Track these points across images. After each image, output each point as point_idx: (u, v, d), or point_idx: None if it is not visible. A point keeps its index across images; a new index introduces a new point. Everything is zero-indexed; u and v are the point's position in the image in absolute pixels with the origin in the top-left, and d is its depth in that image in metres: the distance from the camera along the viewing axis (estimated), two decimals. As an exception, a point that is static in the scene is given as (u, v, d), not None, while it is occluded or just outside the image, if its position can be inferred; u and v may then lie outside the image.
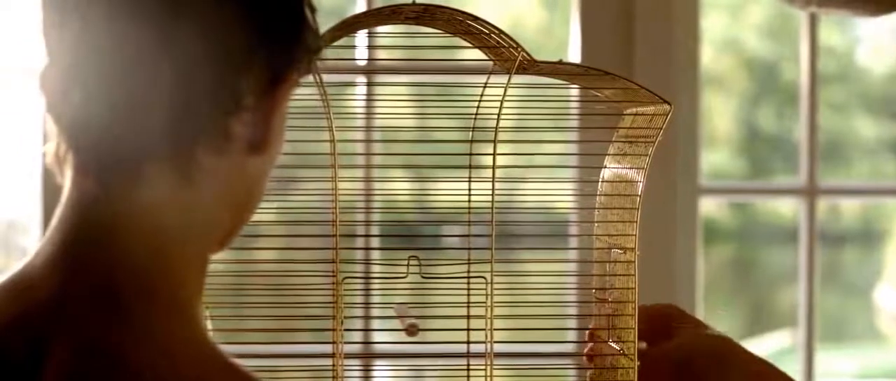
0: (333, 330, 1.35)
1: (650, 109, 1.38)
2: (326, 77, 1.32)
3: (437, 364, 1.47)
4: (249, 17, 0.98)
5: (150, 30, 0.95)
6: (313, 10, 1.03)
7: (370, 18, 1.42)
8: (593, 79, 1.40)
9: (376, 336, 2.29)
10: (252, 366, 0.98)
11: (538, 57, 1.37)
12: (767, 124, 3.84)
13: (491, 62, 1.41)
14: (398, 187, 2.51)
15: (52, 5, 0.98)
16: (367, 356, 2.43)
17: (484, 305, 1.36)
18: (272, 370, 1.39)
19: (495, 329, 1.37)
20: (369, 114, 2.22)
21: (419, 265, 1.37)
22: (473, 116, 1.38)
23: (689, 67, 2.50)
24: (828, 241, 3.62)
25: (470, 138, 1.38)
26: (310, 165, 1.37)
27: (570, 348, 1.59)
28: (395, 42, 1.86)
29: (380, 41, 2.04)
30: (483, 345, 1.37)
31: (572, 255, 2.10)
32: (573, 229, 2.34)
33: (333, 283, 1.35)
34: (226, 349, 0.96)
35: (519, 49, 1.36)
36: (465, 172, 1.36)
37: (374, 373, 2.49)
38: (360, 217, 2.18)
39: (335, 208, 1.35)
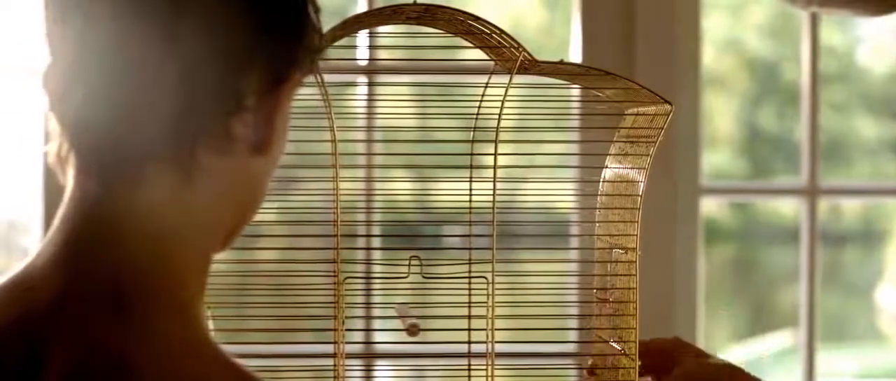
0: (335, 330, 1.35)
1: (651, 109, 1.38)
2: (328, 77, 1.32)
3: (438, 364, 1.47)
4: (253, 16, 0.98)
5: (152, 29, 0.95)
6: (317, 9, 1.02)
7: (371, 18, 1.42)
8: (594, 79, 1.40)
9: (377, 336, 2.30)
10: (253, 366, 0.98)
11: (539, 57, 1.37)
12: (768, 124, 3.84)
13: (492, 62, 1.41)
14: (399, 187, 2.51)
15: (54, 3, 0.97)
16: (369, 356, 2.43)
17: (485, 305, 1.36)
18: (273, 370, 1.39)
19: (496, 329, 1.37)
20: (370, 114, 2.22)
21: (420, 265, 1.37)
22: (474, 116, 1.38)
23: (691, 67, 2.50)
24: (829, 241, 3.62)
25: (471, 138, 1.38)
26: (311, 165, 1.37)
27: (571, 348, 1.59)
28: (396, 42, 1.86)
29: (381, 41, 2.04)
30: (484, 345, 1.37)
31: (573, 255, 2.10)
32: (574, 229, 2.34)
33: (335, 283, 1.35)
34: (227, 348, 0.96)
35: (520, 49, 1.36)
36: (467, 172, 1.36)
37: (376, 373, 2.49)
38: (362, 217, 2.18)
39: (336, 207, 1.35)
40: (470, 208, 1.36)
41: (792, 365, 2.72)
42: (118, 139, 0.96)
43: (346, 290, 1.35)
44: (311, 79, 1.07)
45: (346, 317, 1.36)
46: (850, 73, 3.80)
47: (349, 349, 1.37)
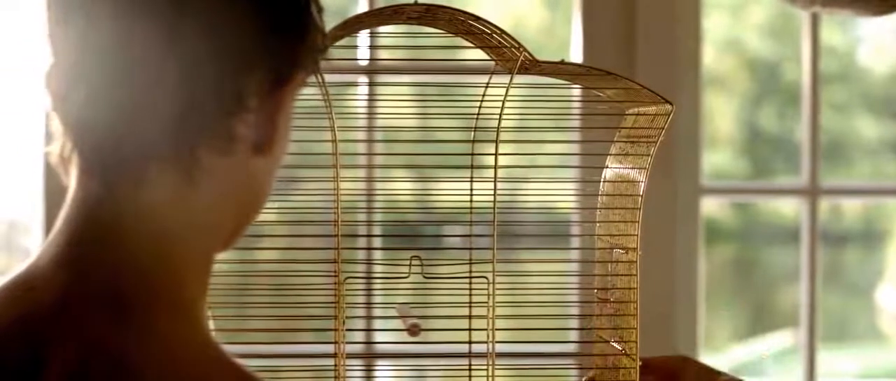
0: (335, 330, 1.35)
1: (652, 109, 1.38)
2: (328, 77, 1.32)
3: (439, 364, 1.47)
4: (255, 16, 0.98)
5: (154, 29, 0.95)
6: (320, 9, 1.02)
7: (372, 18, 1.42)
8: (595, 79, 1.40)
9: (378, 336, 2.29)
10: (254, 366, 0.98)
11: (540, 57, 1.37)
12: (769, 124, 3.84)
13: (493, 62, 1.41)
14: (400, 187, 2.51)
15: (56, 3, 0.97)
16: (369, 356, 2.43)
17: (486, 305, 1.36)
18: (274, 370, 1.40)
19: (497, 329, 1.37)
20: (371, 114, 2.22)
21: (421, 265, 1.37)
22: (475, 116, 1.38)
23: (691, 67, 2.50)
24: (829, 241, 3.62)
25: (472, 138, 1.38)
26: (312, 166, 1.37)
27: (571, 348, 1.59)
28: (396, 42, 1.86)
29: (382, 41, 2.04)
30: (485, 345, 1.37)
31: (574, 255, 2.10)
32: (575, 229, 2.34)
33: (335, 283, 1.35)
34: (228, 349, 0.96)
35: (521, 49, 1.36)
36: (467, 172, 1.36)
37: (376, 373, 2.49)
38: (362, 217, 2.18)
39: (337, 208, 1.35)
40: (471, 208, 1.36)
41: (792, 365, 2.72)
42: (120, 139, 0.96)
43: (347, 290, 1.35)
44: (312, 79, 1.07)
45: (347, 317, 1.36)
46: (850, 73, 3.80)
47: (350, 349, 1.37)
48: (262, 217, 1.07)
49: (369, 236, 2.18)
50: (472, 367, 1.37)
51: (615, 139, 1.44)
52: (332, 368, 1.35)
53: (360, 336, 2.22)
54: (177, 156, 0.97)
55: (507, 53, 1.38)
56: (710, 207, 3.13)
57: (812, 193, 2.56)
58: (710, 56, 3.42)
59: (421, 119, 1.57)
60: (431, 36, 1.42)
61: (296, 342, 1.39)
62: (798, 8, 2.14)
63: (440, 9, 1.36)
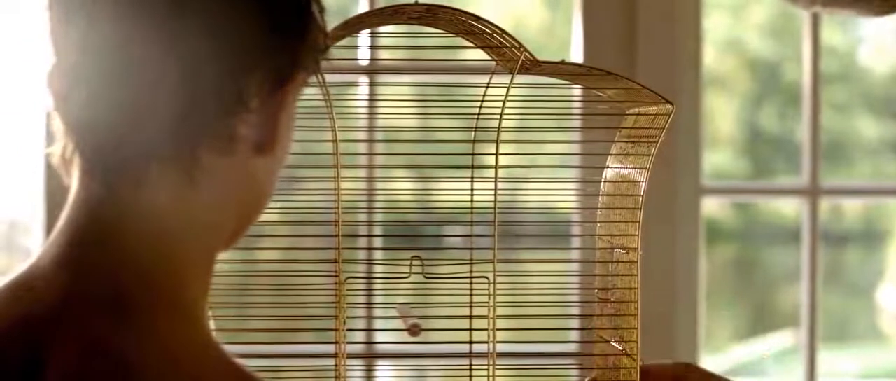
0: (336, 330, 1.35)
1: (652, 109, 1.38)
2: (329, 77, 1.32)
3: (439, 364, 1.47)
4: (256, 16, 0.98)
5: (155, 29, 0.95)
6: (322, 9, 1.02)
7: (373, 18, 1.42)
8: (596, 79, 1.40)
9: (379, 336, 2.29)
10: (255, 366, 0.98)
11: (541, 57, 1.37)
12: (769, 124, 3.84)
13: (493, 62, 1.41)
14: (401, 187, 2.51)
15: (58, 4, 0.98)
16: (370, 356, 2.43)
17: (486, 305, 1.36)
18: (275, 370, 1.40)
19: (498, 329, 1.37)
20: (372, 114, 2.22)
21: (422, 265, 1.37)
22: (476, 116, 1.38)
23: (692, 67, 2.50)
24: (830, 241, 3.62)
25: (472, 138, 1.38)
26: (312, 165, 1.37)
27: (572, 348, 1.59)
28: (397, 42, 1.86)
29: (382, 41, 2.04)
30: (486, 345, 1.37)
31: (575, 255, 2.10)
32: (575, 229, 2.34)
33: (336, 283, 1.35)
34: (229, 349, 0.96)
35: (521, 49, 1.36)
36: (468, 173, 1.36)
37: (377, 373, 2.49)
38: (363, 217, 2.18)
39: (338, 208, 1.35)
40: (471, 208, 1.36)
41: (793, 365, 2.72)
42: (121, 140, 0.96)
43: (348, 290, 1.35)
44: (312, 79, 1.07)
45: (348, 317, 1.36)
46: (851, 73, 3.80)
47: (350, 349, 1.37)
48: (262, 217, 1.07)
49: (370, 236, 2.18)
50: (473, 367, 1.37)
51: (616, 139, 1.44)
52: (333, 368, 1.35)
53: (360, 336, 2.21)
54: (178, 156, 0.97)
55: (507, 53, 1.38)
56: (711, 207, 3.13)
57: (812, 193, 2.56)
58: (711, 56, 3.42)
59: (422, 119, 1.57)
60: (432, 36, 1.42)
61: (296, 342, 1.39)
62: (799, 8, 2.14)
63: (441, 9, 1.36)
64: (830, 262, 3.80)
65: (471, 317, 1.36)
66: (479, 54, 1.42)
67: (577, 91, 1.48)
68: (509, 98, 1.35)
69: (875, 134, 3.72)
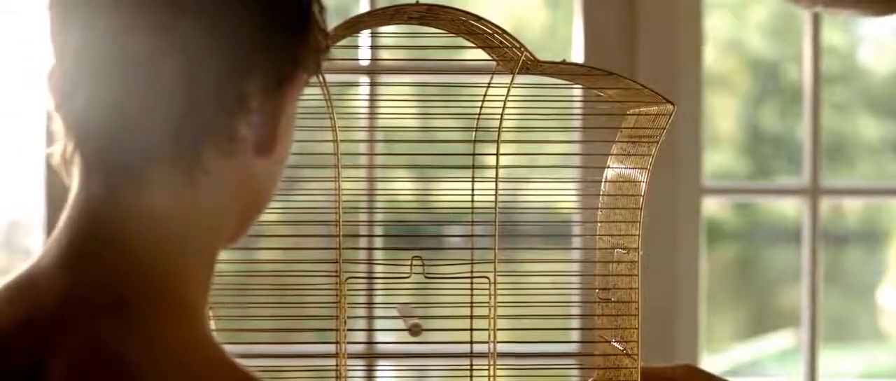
0: (337, 330, 1.35)
1: (653, 109, 1.38)
2: (330, 77, 1.32)
3: (440, 364, 1.47)
4: (256, 16, 0.98)
5: (155, 30, 0.95)
6: (322, 8, 1.02)
7: (373, 18, 1.42)
8: (596, 79, 1.40)
9: (379, 336, 2.30)
10: (255, 366, 0.98)
11: (541, 57, 1.37)
12: (770, 124, 3.84)
13: (494, 62, 1.41)
14: (401, 187, 2.51)
15: (59, 4, 0.98)
16: (371, 356, 2.43)
17: (487, 305, 1.36)
18: (275, 370, 1.40)
19: (498, 329, 1.37)
20: (372, 114, 2.22)
21: (422, 265, 1.37)
22: (476, 116, 1.38)
23: (692, 67, 2.50)
24: (831, 241, 3.62)
25: (473, 138, 1.38)
26: (313, 165, 1.37)
27: (573, 348, 1.59)
28: (398, 42, 1.86)
29: (383, 41, 2.04)
30: (486, 345, 1.37)
31: (575, 255, 2.10)
32: (576, 229, 2.34)
33: (337, 283, 1.35)
34: (229, 349, 0.96)
35: (522, 49, 1.36)
36: (469, 172, 1.36)
37: (378, 373, 2.49)
38: (364, 217, 2.18)
39: (338, 208, 1.35)
40: (472, 208, 1.36)
41: (794, 365, 2.72)
42: (121, 140, 0.96)
43: (348, 290, 1.35)
44: (313, 79, 1.07)
45: (348, 317, 1.36)
46: (851, 73, 3.80)
47: (351, 349, 1.37)
48: (263, 217, 1.07)
49: (371, 236, 2.18)
50: (474, 367, 1.37)
51: (616, 139, 1.44)
52: (334, 368, 1.35)
53: (361, 336, 2.21)
54: (178, 157, 0.97)
55: (508, 53, 1.38)
56: (712, 207, 3.13)
57: (813, 193, 2.56)
58: (712, 56, 3.42)
59: (422, 119, 1.57)
60: (433, 36, 1.42)
61: (297, 342, 1.39)
62: (800, 8, 2.14)
63: (441, 9, 1.36)
64: (831, 262, 3.79)
65: (471, 317, 1.36)
66: (480, 54, 1.42)
67: (577, 91, 1.48)
68: (510, 98, 1.35)
69: (875, 134, 3.72)
